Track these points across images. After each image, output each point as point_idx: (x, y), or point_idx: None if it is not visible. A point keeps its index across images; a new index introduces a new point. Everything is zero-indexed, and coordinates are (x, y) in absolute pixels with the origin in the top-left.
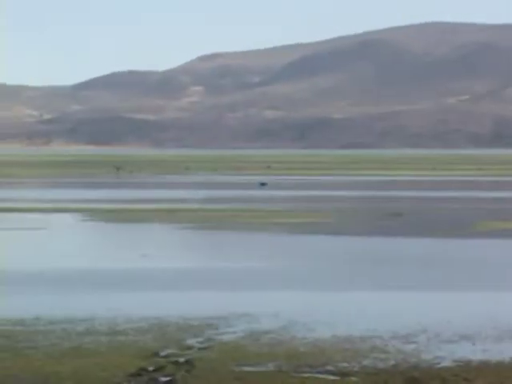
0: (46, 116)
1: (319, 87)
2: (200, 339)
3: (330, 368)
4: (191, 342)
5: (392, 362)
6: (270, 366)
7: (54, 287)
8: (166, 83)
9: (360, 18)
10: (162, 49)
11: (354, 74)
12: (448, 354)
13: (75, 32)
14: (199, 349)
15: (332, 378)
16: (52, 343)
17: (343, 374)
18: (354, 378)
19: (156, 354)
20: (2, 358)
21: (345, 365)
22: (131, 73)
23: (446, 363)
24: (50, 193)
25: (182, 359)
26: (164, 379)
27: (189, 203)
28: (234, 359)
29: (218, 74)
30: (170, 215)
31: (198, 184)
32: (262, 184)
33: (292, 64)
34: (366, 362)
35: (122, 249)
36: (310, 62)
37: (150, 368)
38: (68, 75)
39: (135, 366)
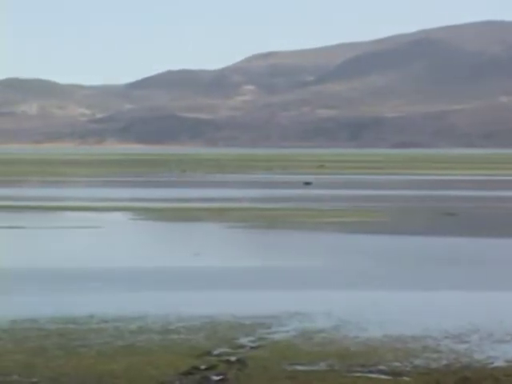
0: (99, 115)
1: (372, 86)
2: (252, 338)
3: (382, 367)
4: (243, 340)
5: (444, 362)
6: (322, 365)
7: (107, 285)
8: (219, 82)
9: (414, 17)
10: (215, 47)
11: (408, 73)
12: (501, 354)
13: (129, 31)
14: (251, 348)
15: (384, 377)
16: (105, 341)
17: (395, 374)
18: (406, 378)
19: (208, 353)
20: (55, 356)
21: (397, 364)
22: (184, 72)
23: (498, 363)
24: (103, 191)
25: (233, 358)
26: (216, 378)
27: (241, 202)
28: (285, 358)
29: (271, 72)
30: (222, 214)
31: (250, 183)
32: (307, 183)
33: (346, 63)
34: (418, 362)
35: (175, 248)
36: (363, 60)
37: (202, 367)
38: (121, 74)
39: (187, 364)
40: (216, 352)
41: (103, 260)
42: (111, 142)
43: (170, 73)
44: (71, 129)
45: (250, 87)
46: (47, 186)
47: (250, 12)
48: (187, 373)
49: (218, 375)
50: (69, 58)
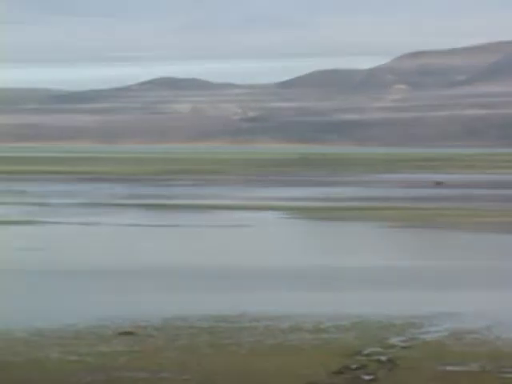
0: (251, 114)
1: None
2: (403, 338)
3: None
4: (394, 340)
5: None
6: (474, 366)
7: (259, 284)
8: (369, 82)
9: None
10: (364, 47)
11: None
12: None
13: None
14: (402, 347)
15: None
16: (256, 340)
17: None
18: None
19: (358, 353)
20: (206, 354)
21: None
22: (334, 71)
23: None
24: (253, 190)
25: (384, 358)
26: (366, 378)
27: (393, 202)
28: (436, 358)
29: (422, 72)
30: (375, 213)
31: (401, 182)
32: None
33: (497, 63)
34: None
35: (326, 246)
36: None
37: (353, 366)
38: (272, 73)
39: (338, 363)
40: (366, 352)
41: (255, 259)
42: (262, 141)
43: (319, 72)
44: (223, 128)
45: (401, 86)
46: (200, 185)
47: (402, 13)
48: (338, 372)
49: (368, 375)
50: (220, 57)
